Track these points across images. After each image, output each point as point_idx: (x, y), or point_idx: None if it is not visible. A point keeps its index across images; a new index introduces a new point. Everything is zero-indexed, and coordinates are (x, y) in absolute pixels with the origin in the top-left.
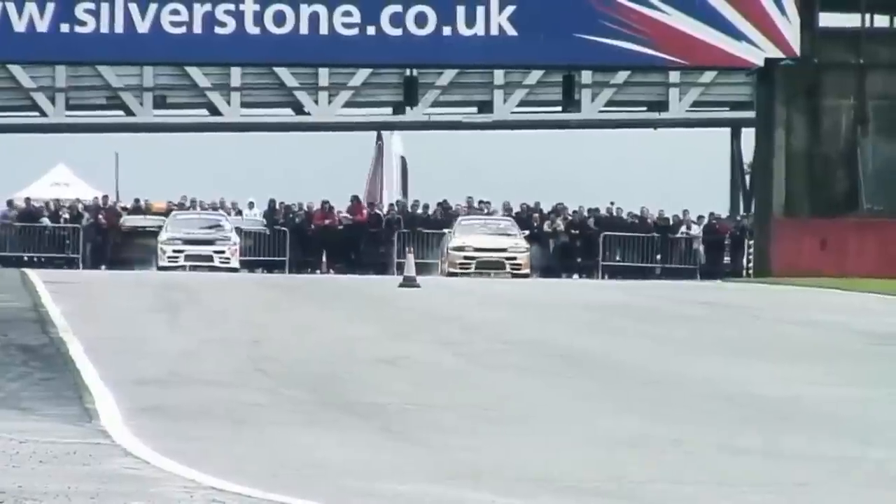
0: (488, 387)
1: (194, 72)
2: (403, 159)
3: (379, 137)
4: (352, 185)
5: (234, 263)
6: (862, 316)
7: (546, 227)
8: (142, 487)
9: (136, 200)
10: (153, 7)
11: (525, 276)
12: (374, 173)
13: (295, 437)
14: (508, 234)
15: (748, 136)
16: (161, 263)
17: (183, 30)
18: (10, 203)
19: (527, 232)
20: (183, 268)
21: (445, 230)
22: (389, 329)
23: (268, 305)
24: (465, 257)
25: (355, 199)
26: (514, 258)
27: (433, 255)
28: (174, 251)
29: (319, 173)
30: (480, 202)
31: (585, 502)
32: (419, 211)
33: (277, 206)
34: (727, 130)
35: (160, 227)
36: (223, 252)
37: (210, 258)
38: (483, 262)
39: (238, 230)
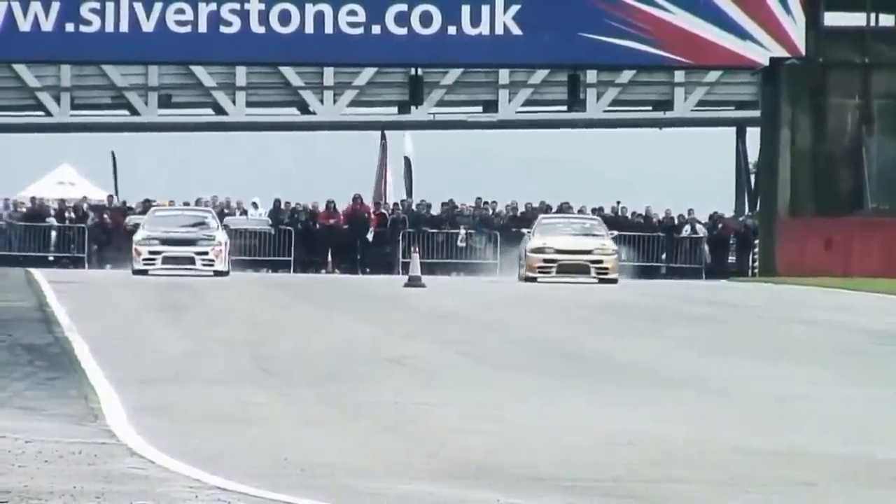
0: (493, 386)
1: (199, 71)
2: (407, 159)
3: (383, 137)
4: (356, 184)
5: (220, 266)
6: (867, 315)
7: None
8: (147, 487)
9: (146, 201)
10: (158, 6)
11: (613, 280)
12: (380, 173)
13: (300, 437)
14: (594, 235)
15: (753, 135)
16: (136, 266)
17: (188, 29)
18: (14, 203)
19: (615, 232)
20: (160, 272)
21: (524, 230)
22: (394, 329)
23: (272, 305)
24: (546, 260)
25: (357, 198)
26: (601, 261)
27: (438, 254)
28: (150, 252)
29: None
30: (486, 202)
31: (592, 501)
32: (424, 210)
33: (282, 206)
34: (732, 130)
35: None
36: (206, 253)
37: (191, 260)
38: (565, 265)
39: (242, 230)
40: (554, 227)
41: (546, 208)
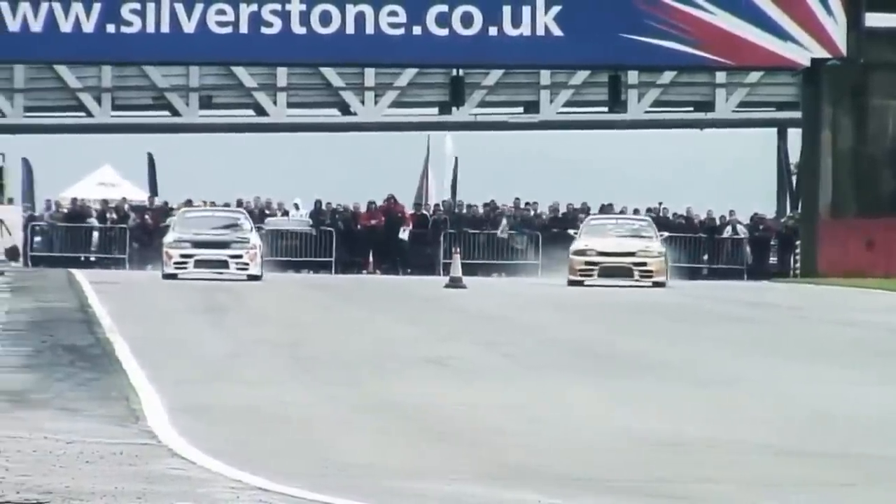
0: (533, 387)
1: (240, 72)
2: (447, 159)
3: (429, 138)
4: (397, 185)
5: (254, 270)
6: None
7: None
8: (189, 488)
9: (188, 202)
10: (199, 7)
11: (660, 284)
12: (423, 174)
13: (340, 438)
14: (642, 237)
15: (795, 136)
16: (166, 270)
17: (229, 30)
18: (56, 204)
19: (665, 234)
20: (192, 276)
21: (570, 231)
22: (435, 329)
23: (313, 306)
24: (587, 262)
25: (390, 198)
26: (644, 263)
27: (480, 255)
28: (182, 256)
29: (365, 173)
30: (527, 203)
31: (630, 502)
32: (466, 211)
33: (323, 207)
34: (773, 131)
35: None
36: (240, 257)
37: (224, 264)
38: (607, 267)
39: (283, 231)
40: (600, 228)
41: (587, 209)
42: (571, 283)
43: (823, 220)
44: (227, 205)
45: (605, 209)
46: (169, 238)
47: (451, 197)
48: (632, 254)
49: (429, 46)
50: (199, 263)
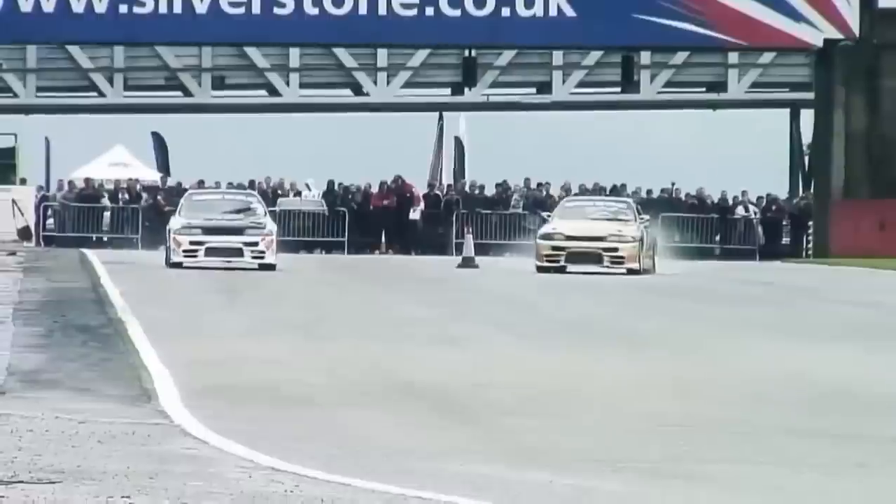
0: (546, 367)
1: (253, 52)
2: (458, 140)
3: (441, 118)
4: (410, 165)
5: (270, 258)
6: None
7: None
8: (200, 468)
9: (200, 182)
10: None
11: (634, 271)
12: (436, 154)
13: (353, 418)
14: (619, 219)
15: (807, 116)
16: (174, 258)
17: (241, 10)
18: (68, 184)
19: (646, 217)
20: (202, 264)
21: (545, 214)
22: (447, 310)
23: (326, 286)
24: (553, 248)
25: (397, 178)
26: (615, 249)
27: (492, 236)
28: (192, 243)
29: (378, 154)
30: (539, 184)
31: (646, 482)
32: (477, 192)
33: (336, 187)
34: (786, 111)
35: None
36: (255, 244)
37: (239, 252)
38: (575, 253)
39: (296, 211)
40: (574, 210)
41: (599, 190)
42: (540, 269)
43: (836, 202)
44: (241, 186)
45: (616, 191)
46: (176, 223)
47: (459, 178)
48: (602, 238)
49: (441, 27)
50: (211, 251)
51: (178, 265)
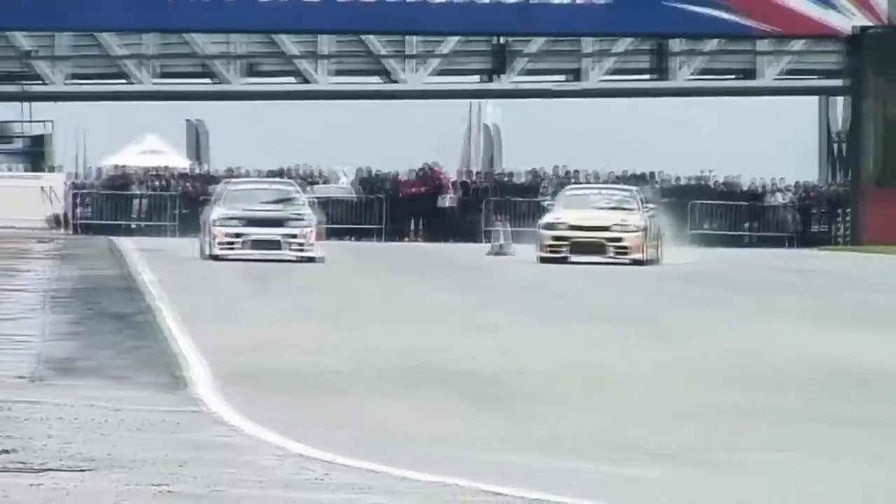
0: (576, 355)
1: (283, 40)
2: (489, 127)
3: (475, 105)
4: (440, 153)
5: (313, 251)
6: None
7: None
8: (232, 455)
9: (228, 170)
10: None
11: (639, 262)
12: (467, 142)
13: (384, 405)
14: (623, 209)
15: (838, 104)
16: (210, 251)
17: None
18: (100, 172)
19: (652, 206)
20: (240, 257)
21: (545, 202)
22: (478, 297)
23: (357, 274)
24: (556, 238)
25: (426, 165)
26: (619, 239)
27: (523, 223)
28: (229, 235)
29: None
30: (568, 172)
31: (679, 470)
32: (508, 179)
33: (367, 175)
34: (817, 99)
35: None
36: (295, 236)
37: (278, 244)
38: (578, 243)
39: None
40: (577, 199)
41: (630, 177)
42: (543, 259)
43: (869, 189)
44: (280, 173)
45: (640, 179)
46: (214, 214)
47: (490, 165)
48: (606, 228)
49: (472, 14)
50: (250, 244)
51: (215, 258)
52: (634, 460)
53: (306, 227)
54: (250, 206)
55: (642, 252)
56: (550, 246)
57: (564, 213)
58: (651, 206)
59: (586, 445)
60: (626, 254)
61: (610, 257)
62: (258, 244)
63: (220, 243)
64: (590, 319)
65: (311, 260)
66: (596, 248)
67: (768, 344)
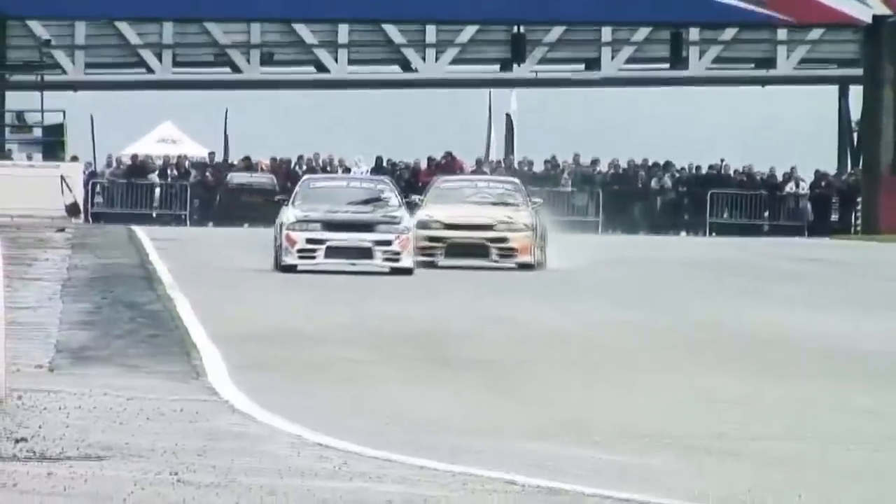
0: (593, 344)
1: (301, 28)
2: (509, 116)
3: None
4: (458, 141)
5: (406, 261)
6: None
7: (653, 184)
8: (249, 444)
9: (246, 158)
10: None
11: (527, 265)
12: (488, 131)
13: (400, 394)
14: (506, 204)
15: (856, 93)
16: (286, 260)
17: None
18: (117, 160)
19: (539, 201)
20: (321, 267)
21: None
22: (493, 286)
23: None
24: (430, 238)
25: (447, 155)
26: (504, 239)
27: None
28: (309, 241)
29: (426, 130)
30: (583, 161)
31: (693, 458)
32: (526, 168)
33: (384, 163)
34: (835, 88)
35: (266, 186)
36: (389, 243)
37: (367, 252)
38: (456, 244)
39: None
40: (451, 193)
41: (651, 166)
42: (421, 264)
43: (885, 178)
44: (287, 162)
45: (653, 169)
46: (289, 216)
47: (508, 154)
48: (489, 227)
49: (490, 3)
50: (333, 252)
51: (292, 268)
52: (647, 449)
53: (401, 233)
54: (334, 206)
55: (531, 254)
56: (424, 248)
57: (437, 209)
58: (536, 200)
59: (600, 434)
60: (512, 256)
61: (493, 261)
62: (342, 251)
63: (298, 250)
64: (609, 307)
65: (406, 272)
66: (477, 249)
67: (782, 331)
